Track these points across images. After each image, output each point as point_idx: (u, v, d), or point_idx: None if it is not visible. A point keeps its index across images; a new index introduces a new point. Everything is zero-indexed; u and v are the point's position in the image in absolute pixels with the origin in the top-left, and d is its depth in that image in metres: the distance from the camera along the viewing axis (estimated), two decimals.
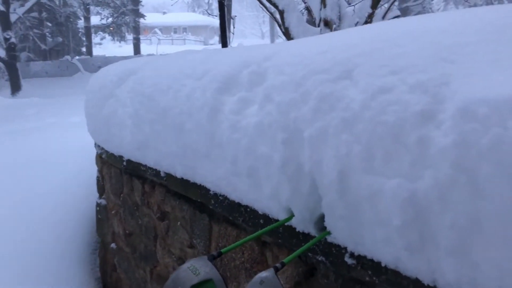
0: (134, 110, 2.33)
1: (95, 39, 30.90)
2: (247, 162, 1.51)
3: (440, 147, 0.94)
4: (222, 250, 1.21)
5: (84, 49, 27.92)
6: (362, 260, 1.24)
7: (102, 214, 3.46)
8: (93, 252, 3.71)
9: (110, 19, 27.70)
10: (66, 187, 4.48)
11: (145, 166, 2.41)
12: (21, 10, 21.59)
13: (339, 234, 1.28)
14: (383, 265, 1.17)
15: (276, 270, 1.12)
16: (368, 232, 1.16)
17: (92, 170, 4.05)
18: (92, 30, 28.18)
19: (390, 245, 1.10)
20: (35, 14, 23.81)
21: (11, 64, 20.14)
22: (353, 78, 1.20)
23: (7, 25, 20.19)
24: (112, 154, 2.87)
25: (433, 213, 0.98)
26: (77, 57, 25.17)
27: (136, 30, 27.49)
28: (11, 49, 20.09)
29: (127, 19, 27.38)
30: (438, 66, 1.04)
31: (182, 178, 2.06)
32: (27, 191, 4.38)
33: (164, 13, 50.00)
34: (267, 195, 1.48)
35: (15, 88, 19.91)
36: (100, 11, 27.95)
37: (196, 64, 1.98)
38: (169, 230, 2.38)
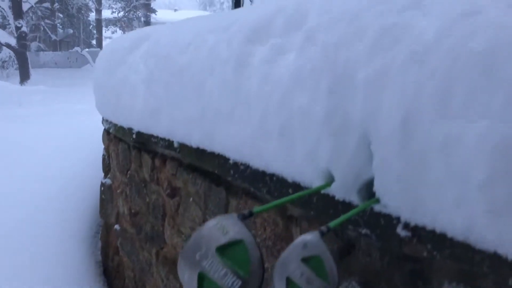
0: (148, 73, 2.12)
1: (106, 32, 30.87)
2: (279, 118, 1.30)
3: None
4: (254, 210, 1.00)
5: (94, 42, 27.90)
6: (419, 232, 1.02)
7: (106, 195, 3.26)
8: (94, 235, 3.51)
9: (122, 13, 27.66)
10: (71, 169, 4.29)
11: (157, 137, 2.21)
12: (33, 0, 21.55)
13: (391, 201, 1.06)
14: (448, 236, 0.95)
15: (322, 234, 0.91)
16: (432, 195, 0.95)
17: (97, 153, 3.85)
18: (103, 23, 28.13)
19: (463, 208, 0.88)
20: (47, 4, 23.80)
21: (21, 53, 20.07)
22: (422, 8, 0.99)
23: (19, 14, 20.16)
24: (121, 127, 2.67)
25: None
26: (87, 49, 25.13)
27: (147, 25, 27.38)
28: (21, 37, 20.03)
29: (139, 13, 27.32)
30: None
31: (198, 148, 1.86)
32: (28, 175, 4.19)
33: (175, 10, 50.11)
34: (300, 157, 1.27)
35: (24, 77, 19.83)
36: (112, 5, 27.94)
37: (220, 19, 1.77)
38: (180, 207, 2.17)
